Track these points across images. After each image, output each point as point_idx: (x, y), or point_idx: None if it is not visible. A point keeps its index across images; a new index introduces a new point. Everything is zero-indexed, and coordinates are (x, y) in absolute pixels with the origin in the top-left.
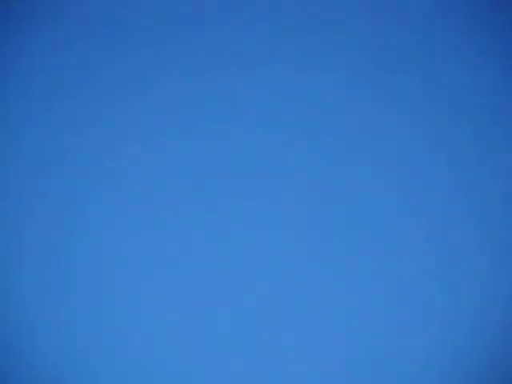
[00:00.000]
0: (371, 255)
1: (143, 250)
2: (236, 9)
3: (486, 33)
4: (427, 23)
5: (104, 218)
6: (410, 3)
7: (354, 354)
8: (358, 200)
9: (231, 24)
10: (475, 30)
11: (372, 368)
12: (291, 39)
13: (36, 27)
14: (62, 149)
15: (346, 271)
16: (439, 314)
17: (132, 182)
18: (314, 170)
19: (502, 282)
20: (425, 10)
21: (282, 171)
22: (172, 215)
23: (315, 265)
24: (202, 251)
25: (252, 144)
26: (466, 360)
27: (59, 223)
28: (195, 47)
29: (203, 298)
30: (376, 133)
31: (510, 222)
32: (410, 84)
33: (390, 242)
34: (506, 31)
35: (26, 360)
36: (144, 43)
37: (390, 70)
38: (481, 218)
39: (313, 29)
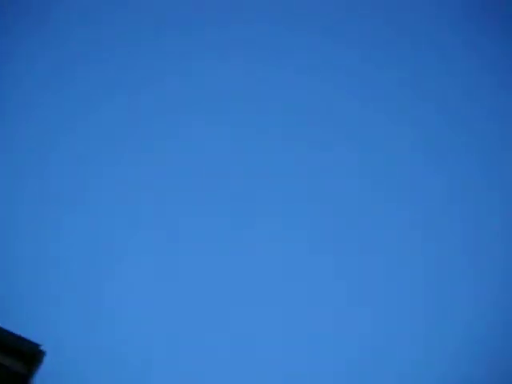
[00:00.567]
0: (371, 255)
1: (143, 249)
2: (236, 9)
3: (479, 33)
4: (427, 23)
5: (104, 218)
6: (411, 3)
7: (354, 354)
8: (357, 200)
9: (231, 24)
10: (469, 30)
11: (372, 368)
12: (291, 39)
13: (31, 26)
14: (59, 148)
15: (346, 271)
16: (439, 314)
17: (132, 182)
18: (314, 170)
19: (499, 285)
20: (425, 10)
21: (282, 171)
22: (172, 215)
23: (315, 265)
24: (202, 251)
25: (252, 144)
26: (466, 360)
27: (59, 223)
28: (195, 47)
29: (203, 298)
30: (376, 133)
31: (508, 222)
32: (410, 83)
33: (390, 241)
34: (497, 31)
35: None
36: (144, 43)
37: (390, 70)
38: (479, 219)
39: (313, 29)
